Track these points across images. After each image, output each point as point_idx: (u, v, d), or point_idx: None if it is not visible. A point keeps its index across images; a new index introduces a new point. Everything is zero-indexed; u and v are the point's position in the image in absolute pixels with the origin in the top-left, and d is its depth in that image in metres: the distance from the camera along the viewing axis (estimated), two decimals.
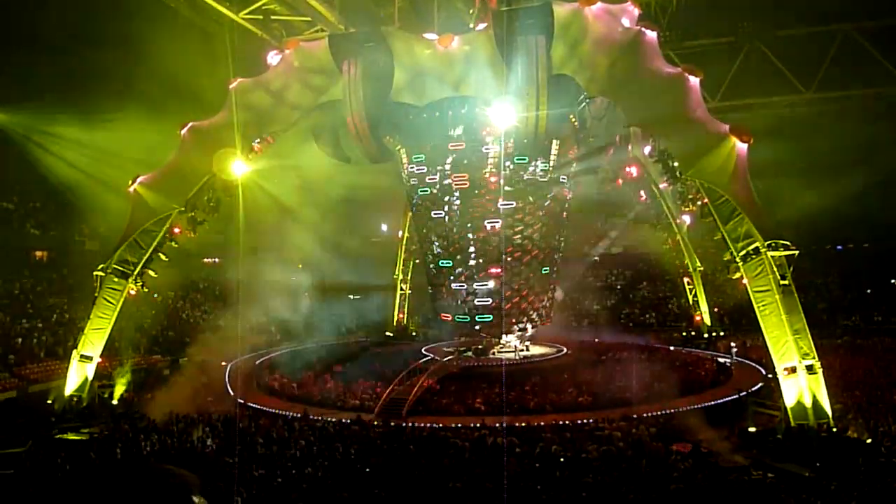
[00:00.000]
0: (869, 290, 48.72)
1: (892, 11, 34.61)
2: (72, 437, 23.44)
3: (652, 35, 25.56)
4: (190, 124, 28.69)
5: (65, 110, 36.84)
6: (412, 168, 32.61)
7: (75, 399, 26.97)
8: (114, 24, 34.96)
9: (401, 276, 47.32)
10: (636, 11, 26.34)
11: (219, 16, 32.58)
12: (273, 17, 33.67)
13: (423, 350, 37.32)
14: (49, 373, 31.99)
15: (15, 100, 36.47)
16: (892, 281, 49.47)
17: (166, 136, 30.01)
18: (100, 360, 27.63)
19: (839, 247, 53.61)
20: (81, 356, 27.30)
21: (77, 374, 27.27)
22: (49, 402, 27.14)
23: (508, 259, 32.36)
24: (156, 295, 37.24)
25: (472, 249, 32.50)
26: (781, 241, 22.61)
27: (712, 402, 26.52)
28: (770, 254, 22.54)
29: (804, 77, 36.98)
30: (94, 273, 27.74)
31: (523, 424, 23.45)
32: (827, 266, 48.89)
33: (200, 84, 31.79)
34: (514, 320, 33.76)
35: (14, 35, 35.20)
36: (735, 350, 35.34)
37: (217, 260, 50.87)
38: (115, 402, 27.85)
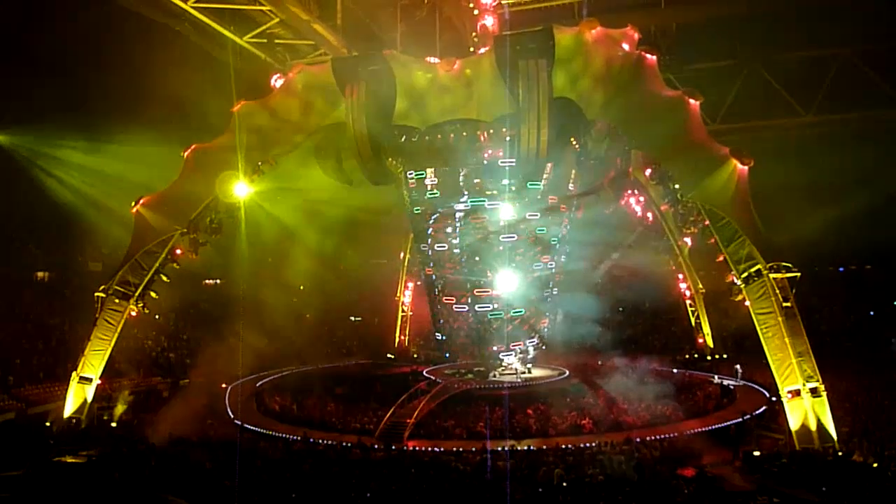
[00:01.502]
0: (872, 312, 48.48)
1: (890, 35, 34.89)
2: (70, 460, 23.20)
3: (652, 59, 25.79)
4: (193, 146, 28.94)
5: (69, 132, 37.12)
6: (415, 190, 32.72)
7: (74, 421, 26.80)
8: (119, 47, 35.31)
9: (402, 299, 47.25)
10: (636, 36, 26.59)
11: (223, 39, 32.90)
12: (277, 41, 34.03)
13: (424, 372, 37.12)
14: (48, 394, 31.81)
15: (20, 122, 36.73)
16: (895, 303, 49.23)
17: (170, 159, 30.18)
18: (99, 381, 27.52)
19: (841, 269, 53.48)
20: (81, 378, 27.23)
21: (76, 396, 27.16)
22: (47, 424, 26.95)
23: (511, 281, 32.31)
24: (157, 316, 37.18)
25: (474, 271, 32.46)
26: (783, 264, 22.60)
27: (716, 426, 26.29)
28: (772, 276, 22.55)
29: (804, 100, 37.18)
30: (96, 294, 27.74)
31: (525, 448, 23.23)
32: (829, 288, 48.70)
33: (204, 107, 32.03)
34: (516, 342, 33.67)
35: (20, 58, 35.54)
36: (741, 373, 35.12)
37: (219, 281, 50.83)
38: (114, 424, 27.66)
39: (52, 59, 35.90)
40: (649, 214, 38.27)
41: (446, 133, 29.73)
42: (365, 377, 37.76)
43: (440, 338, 36.24)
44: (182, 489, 18.45)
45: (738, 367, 35.80)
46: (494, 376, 34.61)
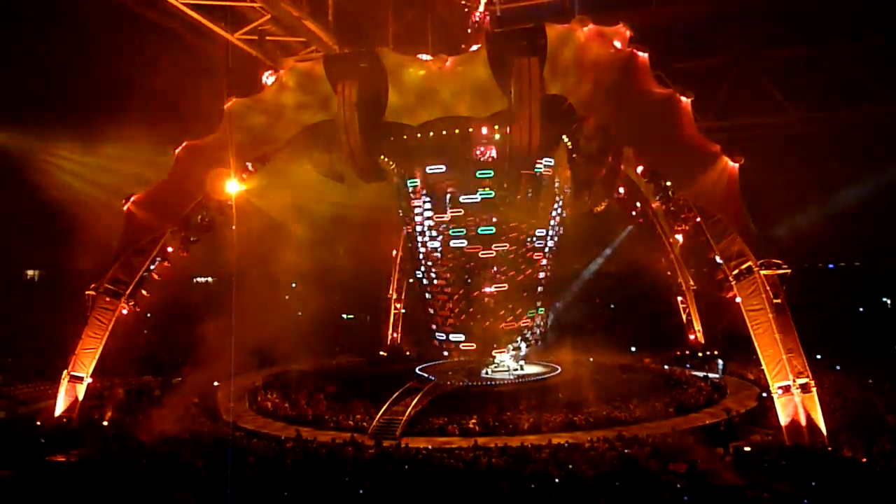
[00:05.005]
0: (861, 309, 48.85)
1: (880, 34, 35.07)
2: (61, 459, 23.09)
3: (644, 56, 25.81)
4: (185, 143, 28.84)
5: (60, 129, 36.82)
6: (407, 187, 32.74)
7: (65, 420, 26.68)
8: (108, 43, 35.04)
9: (395, 296, 47.23)
10: (628, 33, 26.61)
11: (214, 36, 32.72)
12: (268, 38, 33.84)
13: (416, 370, 37.14)
14: (39, 393, 31.64)
15: (8, 120, 36.43)
16: (885, 299, 49.64)
17: (160, 155, 30.05)
18: (91, 380, 27.40)
19: (831, 265, 53.82)
20: (72, 376, 27.12)
21: (67, 395, 27.05)
22: (38, 423, 26.81)
23: (502, 278, 32.37)
24: (148, 314, 37.03)
25: (465, 268, 32.50)
26: (774, 261, 22.75)
27: (707, 422, 26.43)
28: (763, 273, 22.66)
29: (795, 97, 37.35)
30: (86, 292, 27.61)
31: (518, 445, 23.30)
32: (819, 285, 49.00)
33: (195, 104, 31.90)
34: (508, 339, 33.71)
35: (12, 55, 35.26)
36: (722, 365, 35.46)
37: (210, 279, 50.66)
38: (105, 423, 27.54)
39: (41, 56, 35.63)
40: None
41: (438, 130, 29.78)
42: (357, 375, 37.73)
43: (432, 335, 36.21)
44: (174, 488, 18.40)
45: (720, 361, 36.13)
46: (487, 373, 34.67)
